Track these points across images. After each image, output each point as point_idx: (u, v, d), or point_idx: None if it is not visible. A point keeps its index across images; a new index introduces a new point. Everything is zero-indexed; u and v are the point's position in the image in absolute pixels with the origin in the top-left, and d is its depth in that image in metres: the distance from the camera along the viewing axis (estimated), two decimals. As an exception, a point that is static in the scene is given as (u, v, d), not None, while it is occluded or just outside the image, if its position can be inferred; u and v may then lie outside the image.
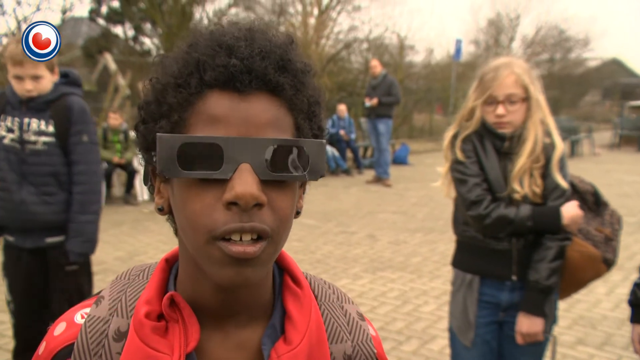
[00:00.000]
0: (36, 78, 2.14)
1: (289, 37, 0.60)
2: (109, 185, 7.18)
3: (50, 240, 2.27)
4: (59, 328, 0.63)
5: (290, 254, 0.69)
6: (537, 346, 1.75)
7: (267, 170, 0.53)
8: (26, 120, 2.20)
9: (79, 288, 2.35)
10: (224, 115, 0.53)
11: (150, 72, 0.59)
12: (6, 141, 2.21)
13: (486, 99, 1.72)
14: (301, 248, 5.17)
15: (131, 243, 5.29)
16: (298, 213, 0.62)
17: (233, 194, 0.51)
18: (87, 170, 2.27)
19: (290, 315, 0.61)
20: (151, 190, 0.63)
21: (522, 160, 1.69)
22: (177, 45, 0.59)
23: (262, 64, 0.54)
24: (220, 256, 0.53)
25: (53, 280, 2.32)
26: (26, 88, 2.14)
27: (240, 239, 0.53)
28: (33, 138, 2.20)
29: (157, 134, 0.54)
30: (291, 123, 0.57)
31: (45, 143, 2.21)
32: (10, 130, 2.21)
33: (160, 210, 0.61)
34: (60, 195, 2.25)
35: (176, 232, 0.62)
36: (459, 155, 1.76)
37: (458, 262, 1.87)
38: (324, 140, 0.58)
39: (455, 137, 1.81)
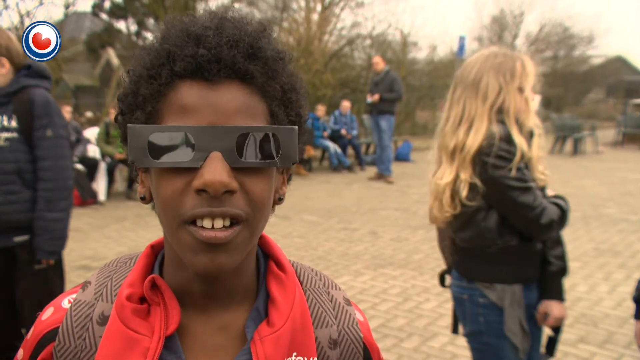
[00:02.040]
0: None
1: (262, 25, 0.60)
2: (111, 181, 7.19)
3: (18, 239, 2.15)
4: (46, 313, 0.64)
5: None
6: (541, 331, 1.85)
7: (237, 157, 0.54)
8: None
9: (50, 290, 2.25)
10: (194, 104, 0.54)
11: (129, 64, 0.60)
12: None
13: (532, 86, 1.68)
14: (303, 244, 5.17)
15: (133, 238, 5.30)
16: (280, 199, 0.63)
17: (202, 181, 0.52)
18: (53, 166, 2.14)
19: (273, 298, 0.62)
20: (137, 181, 0.64)
21: (535, 150, 1.68)
22: (153, 37, 0.60)
23: (230, 53, 0.55)
24: (192, 242, 0.54)
25: (21, 281, 2.20)
26: None
27: (212, 227, 0.53)
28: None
29: (128, 124, 0.55)
30: (265, 110, 0.57)
31: (7, 139, 2.07)
32: None
33: (143, 199, 0.62)
34: (25, 193, 2.13)
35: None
36: (523, 156, 1.63)
37: (502, 276, 1.72)
38: (295, 127, 0.57)
39: (508, 136, 1.63)
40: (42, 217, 2.13)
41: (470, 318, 1.79)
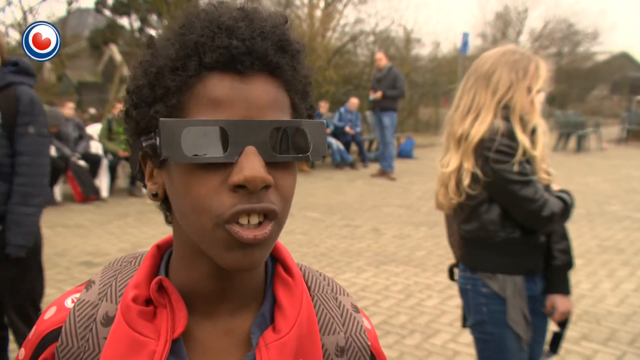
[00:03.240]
0: None
1: (284, 17, 0.59)
2: (113, 177, 7.21)
3: None
4: (49, 312, 0.63)
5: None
6: (546, 326, 1.86)
7: (271, 152, 0.53)
8: None
9: (31, 286, 2.26)
10: (226, 98, 0.53)
11: (140, 55, 0.58)
12: None
13: (539, 89, 1.69)
14: (305, 241, 5.17)
15: (135, 235, 5.31)
16: None
17: (241, 177, 0.51)
18: (31, 162, 2.14)
19: (280, 304, 0.61)
20: (139, 177, 0.62)
21: (540, 149, 1.70)
22: (168, 27, 0.58)
23: (263, 45, 0.54)
24: (229, 239, 0.52)
25: None
26: None
27: (248, 222, 0.52)
28: None
29: (160, 119, 0.52)
30: (288, 104, 0.57)
31: None
32: None
33: (155, 196, 0.60)
34: (1, 186, 2.13)
35: (167, 219, 0.62)
36: (525, 153, 1.67)
37: (505, 267, 1.75)
38: (324, 121, 0.57)
39: (510, 132, 1.67)
40: (16, 211, 2.14)
41: (473, 308, 1.82)
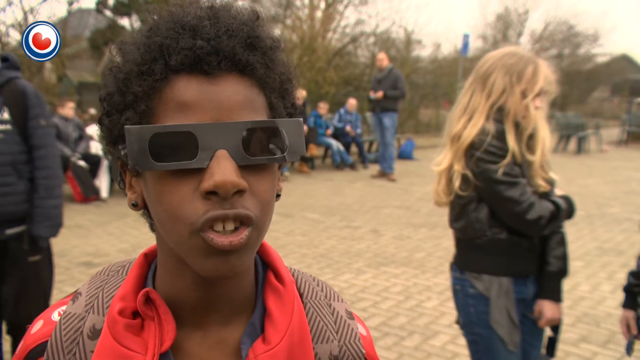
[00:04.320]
0: None
1: (255, 13, 0.57)
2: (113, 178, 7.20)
3: (10, 231, 2.15)
4: (36, 326, 0.61)
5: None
6: (543, 330, 1.85)
7: (244, 154, 0.51)
8: None
9: (42, 282, 2.26)
10: (194, 100, 0.51)
11: (110, 61, 0.56)
12: None
13: (538, 93, 1.67)
14: (305, 242, 5.17)
15: (135, 235, 5.31)
16: (278, 195, 0.60)
17: (212, 183, 0.49)
18: (49, 154, 2.17)
19: (270, 313, 0.59)
20: (122, 186, 0.60)
21: (539, 156, 1.69)
22: (137, 31, 0.56)
23: (229, 44, 0.51)
24: (205, 247, 0.51)
25: (13, 274, 2.20)
26: None
27: (224, 229, 0.51)
28: None
29: (125, 126, 0.51)
30: (264, 103, 0.54)
31: (1, 132, 2.07)
32: None
33: (135, 206, 0.58)
34: (20, 184, 2.13)
35: (152, 227, 0.60)
36: (513, 156, 1.67)
37: (490, 267, 1.75)
38: (301, 119, 0.55)
39: (501, 135, 1.67)
40: (43, 205, 2.17)
41: (462, 309, 1.84)
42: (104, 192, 6.88)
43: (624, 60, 26.53)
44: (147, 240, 5.14)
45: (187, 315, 0.58)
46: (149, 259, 0.63)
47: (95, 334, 0.57)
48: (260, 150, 0.52)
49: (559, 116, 14.35)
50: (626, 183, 8.80)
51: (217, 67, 0.51)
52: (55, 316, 0.60)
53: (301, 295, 0.64)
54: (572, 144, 13.65)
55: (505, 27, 21.76)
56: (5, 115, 2.08)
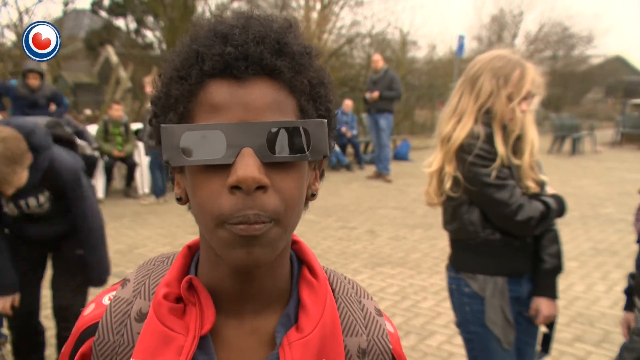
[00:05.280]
0: (7, 182, 2.02)
1: (287, 21, 0.60)
2: (109, 179, 7.19)
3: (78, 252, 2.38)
4: (88, 309, 0.67)
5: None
6: (537, 328, 1.86)
7: (268, 153, 0.54)
8: (22, 203, 2.18)
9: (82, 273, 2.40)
10: (224, 102, 0.55)
11: (161, 68, 0.61)
12: (10, 214, 2.24)
13: (525, 96, 1.68)
14: (301, 243, 5.17)
15: (131, 236, 5.30)
16: (313, 195, 0.64)
17: (235, 177, 0.52)
18: (91, 226, 2.31)
19: (304, 304, 0.63)
20: (172, 182, 0.65)
21: (527, 158, 1.71)
22: (181, 40, 0.61)
23: (257, 49, 0.55)
24: (230, 238, 0.54)
25: (61, 269, 2.41)
26: (7, 193, 2.07)
27: (246, 222, 0.54)
28: (36, 210, 2.23)
29: (161, 125, 0.56)
30: (294, 105, 0.58)
31: (46, 209, 2.25)
32: (11, 211, 2.23)
33: (179, 200, 0.63)
34: (62, 226, 2.34)
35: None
36: (502, 160, 1.69)
37: (485, 267, 1.77)
38: (324, 120, 0.58)
39: (490, 138, 1.69)
40: (89, 259, 2.34)
41: (458, 307, 1.86)
42: (100, 193, 6.86)
43: (618, 62, 26.67)
44: (142, 241, 5.13)
45: (225, 304, 0.62)
46: (193, 250, 0.68)
47: (141, 317, 0.62)
48: (285, 149, 0.55)
49: (553, 117, 14.41)
50: (620, 184, 8.85)
51: (245, 72, 0.55)
52: (106, 300, 0.65)
53: (333, 291, 0.67)
54: (567, 145, 13.71)
55: (500, 29, 21.83)
56: (46, 195, 2.23)
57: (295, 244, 0.69)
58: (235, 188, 0.53)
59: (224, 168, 0.54)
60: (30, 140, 2.07)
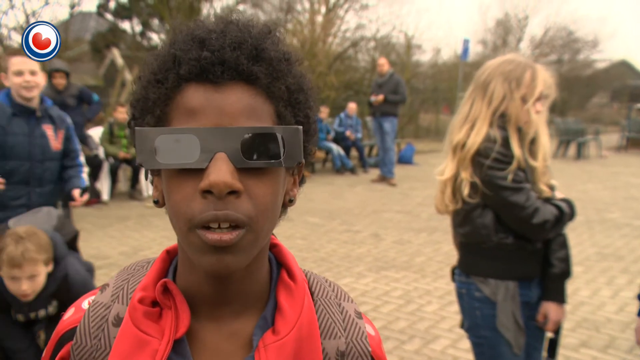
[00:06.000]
0: (32, 277, 2.04)
1: (267, 27, 0.60)
2: (114, 181, 7.21)
3: None
4: (68, 313, 0.67)
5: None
6: (544, 333, 1.86)
7: (242, 158, 0.54)
8: (33, 315, 2.21)
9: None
10: (200, 106, 0.55)
11: (140, 70, 0.61)
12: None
13: (538, 97, 1.69)
14: (305, 246, 5.17)
15: (136, 238, 5.31)
16: (291, 201, 0.64)
17: (207, 182, 0.52)
18: None
19: (280, 307, 0.63)
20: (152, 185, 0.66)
21: (541, 162, 1.72)
22: (161, 43, 0.61)
23: (233, 55, 0.55)
24: (200, 244, 0.54)
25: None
26: (22, 289, 2.03)
27: (219, 226, 0.54)
28: (45, 318, 2.26)
29: (136, 127, 0.56)
30: (271, 111, 0.57)
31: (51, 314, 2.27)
32: (18, 318, 2.24)
33: (156, 203, 0.63)
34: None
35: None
36: (518, 162, 1.69)
37: (497, 271, 1.77)
38: (300, 127, 0.57)
39: (506, 142, 1.69)
40: None
41: (468, 312, 1.85)
42: (105, 195, 6.89)
43: (623, 66, 26.59)
44: (147, 243, 5.14)
45: (203, 308, 0.62)
46: (171, 255, 0.68)
47: (118, 321, 0.61)
48: (259, 155, 0.54)
49: (558, 122, 14.36)
50: (625, 189, 8.82)
51: (221, 77, 0.55)
52: (85, 304, 0.66)
53: (312, 294, 0.67)
54: (572, 150, 13.67)
55: (505, 33, 21.81)
56: (55, 304, 2.24)
57: (274, 247, 0.68)
58: (207, 192, 0.53)
59: (198, 172, 0.54)
60: (55, 250, 2.13)
